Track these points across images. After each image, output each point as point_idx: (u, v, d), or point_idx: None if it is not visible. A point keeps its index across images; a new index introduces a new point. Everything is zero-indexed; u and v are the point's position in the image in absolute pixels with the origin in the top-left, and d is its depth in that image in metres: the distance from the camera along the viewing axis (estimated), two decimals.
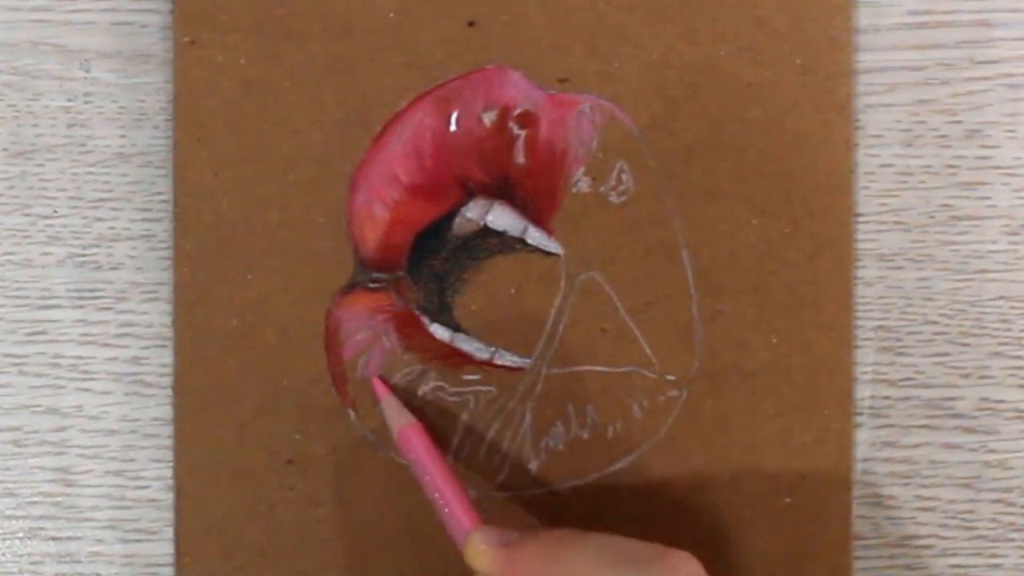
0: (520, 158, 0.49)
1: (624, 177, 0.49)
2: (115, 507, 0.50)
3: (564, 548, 0.42)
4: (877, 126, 0.50)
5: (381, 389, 0.48)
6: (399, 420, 0.47)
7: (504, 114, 0.49)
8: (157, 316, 0.50)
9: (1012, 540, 0.51)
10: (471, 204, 0.49)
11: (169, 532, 0.49)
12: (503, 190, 0.49)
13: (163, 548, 0.50)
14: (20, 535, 0.50)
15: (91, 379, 0.50)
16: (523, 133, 0.49)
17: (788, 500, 0.49)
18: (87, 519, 0.50)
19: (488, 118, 0.49)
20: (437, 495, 0.46)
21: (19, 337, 0.50)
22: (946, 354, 0.50)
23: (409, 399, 0.49)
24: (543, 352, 0.49)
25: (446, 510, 0.45)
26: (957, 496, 0.50)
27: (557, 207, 0.49)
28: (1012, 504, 0.51)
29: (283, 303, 0.49)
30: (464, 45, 0.49)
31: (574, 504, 0.49)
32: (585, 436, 0.49)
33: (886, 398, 0.50)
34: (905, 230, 0.50)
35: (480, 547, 0.43)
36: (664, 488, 0.49)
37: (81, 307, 0.50)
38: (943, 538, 0.50)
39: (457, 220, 0.49)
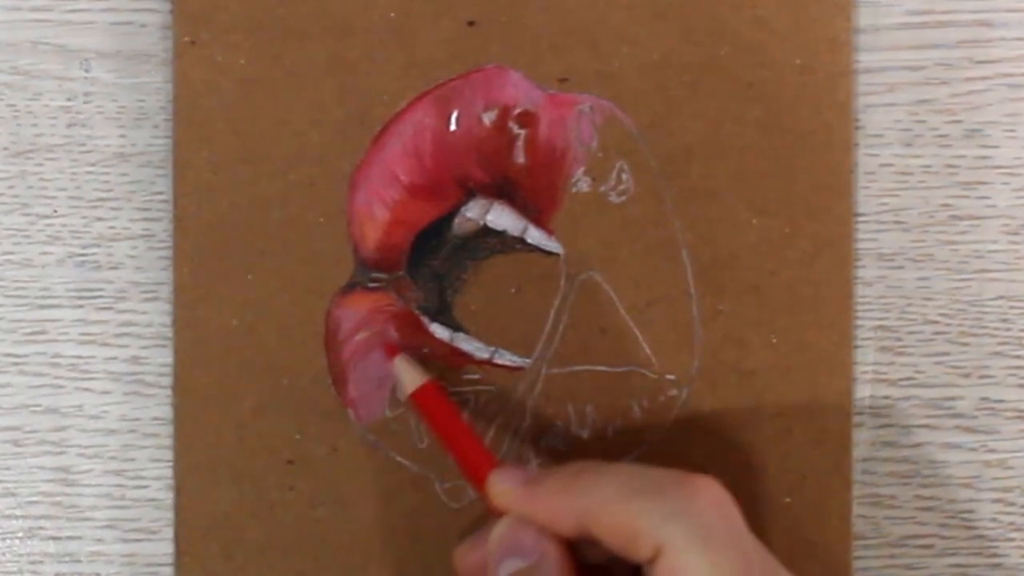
0: (520, 158, 0.49)
1: (624, 177, 0.49)
2: (115, 507, 0.50)
3: (585, 479, 0.42)
4: (877, 126, 0.50)
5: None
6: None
7: (504, 114, 0.49)
8: (157, 316, 0.50)
9: (1012, 540, 0.51)
10: (471, 204, 0.49)
11: (169, 532, 0.49)
12: (503, 190, 0.49)
13: (163, 548, 0.50)
14: (20, 535, 0.50)
15: (91, 379, 0.50)
16: (523, 133, 0.49)
17: (788, 500, 0.49)
18: (87, 519, 0.50)
19: (488, 118, 0.49)
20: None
21: (19, 337, 0.50)
22: (946, 354, 0.50)
23: None
24: (543, 352, 0.49)
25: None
26: (957, 496, 0.50)
27: (557, 207, 0.49)
28: (1012, 504, 0.51)
29: (283, 303, 0.49)
30: (464, 45, 0.49)
31: None
32: (585, 436, 0.49)
33: (886, 398, 0.50)
34: (905, 230, 0.50)
35: (502, 486, 0.43)
36: None
37: (81, 307, 0.50)
38: (943, 538, 0.50)
39: (457, 220, 0.49)
